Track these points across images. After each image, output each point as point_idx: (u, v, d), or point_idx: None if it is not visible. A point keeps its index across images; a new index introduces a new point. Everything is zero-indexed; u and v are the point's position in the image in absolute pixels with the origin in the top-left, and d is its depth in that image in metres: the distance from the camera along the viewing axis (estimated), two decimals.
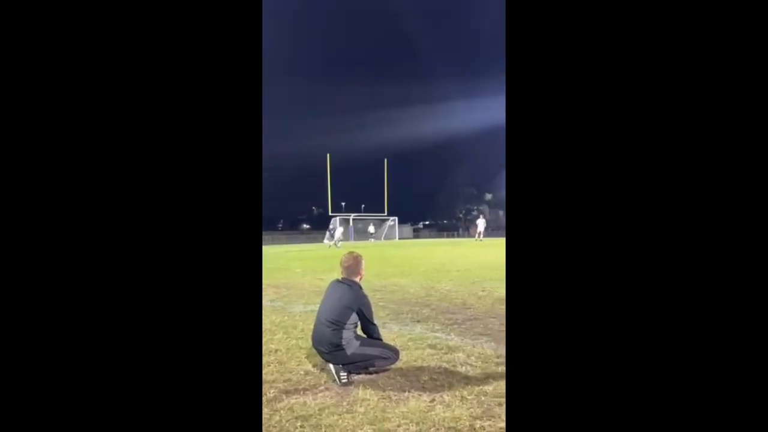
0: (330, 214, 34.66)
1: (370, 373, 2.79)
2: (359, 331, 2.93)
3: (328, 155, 34.58)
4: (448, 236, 47.63)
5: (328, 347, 2.71)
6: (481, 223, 26.27)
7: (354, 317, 2.81)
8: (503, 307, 5.16)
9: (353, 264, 2.97)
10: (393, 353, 2.90)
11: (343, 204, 42.98)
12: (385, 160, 38.51)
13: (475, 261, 11.52)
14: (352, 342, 2.77)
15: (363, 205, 43.84)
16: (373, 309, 3.01)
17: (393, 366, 2.89)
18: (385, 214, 37.49)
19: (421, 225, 61.25)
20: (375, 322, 2.96)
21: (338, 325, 2.75)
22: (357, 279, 2.98)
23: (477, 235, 27.03)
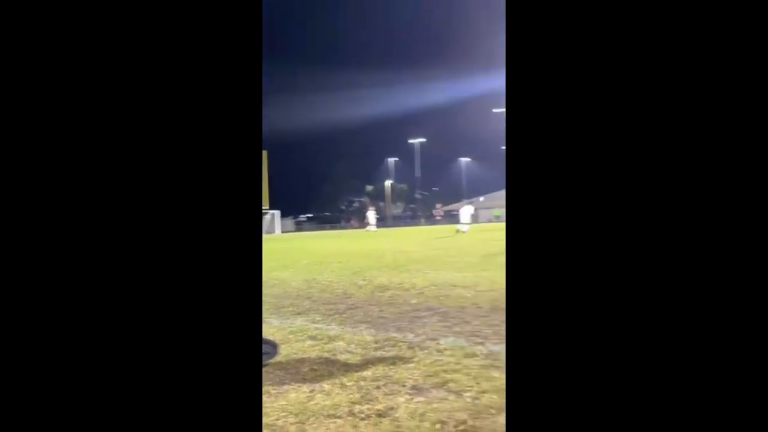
0: None
1: None
2: None
3: None
4: (331, 228, 47.76)
5: None
6: (371, 214, 26.56)
7: None
8: (382, 294, 5.33)
9: None
10: (272, 347, 2.85)
11: None
12: (265, 152, 37.41)
13: (357, 251, 11.72)
14: None
15: None
16: None
17: (272, 360, 2.84)
18: (267, 207, 36.49)
19: (303, 218, 60.61)
20: None
21: None
22: None
23: (367, 227, 27.47)
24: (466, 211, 21.98)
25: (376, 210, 28.21)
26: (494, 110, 59.93)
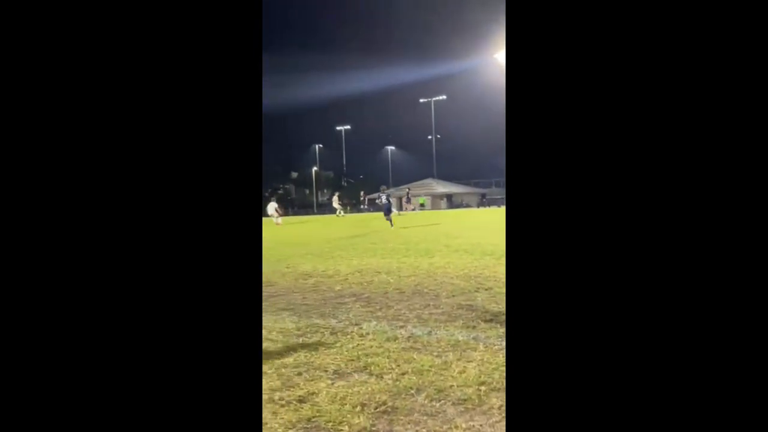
0: None
1: None
2: None
3: None
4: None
5: None
6: (271, 206, 26.08)
7: None
8: (306, 281, 5.29)
9: None
10: None
11: None
12: None
13: (282, 239, 11.52)
14: None
15: None
16: None
17: None
18: None
19: None
20: None
21: None
22: None
23: (275, 218, 27.54)
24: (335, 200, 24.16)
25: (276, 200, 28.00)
26: (421, 100, 61.23)
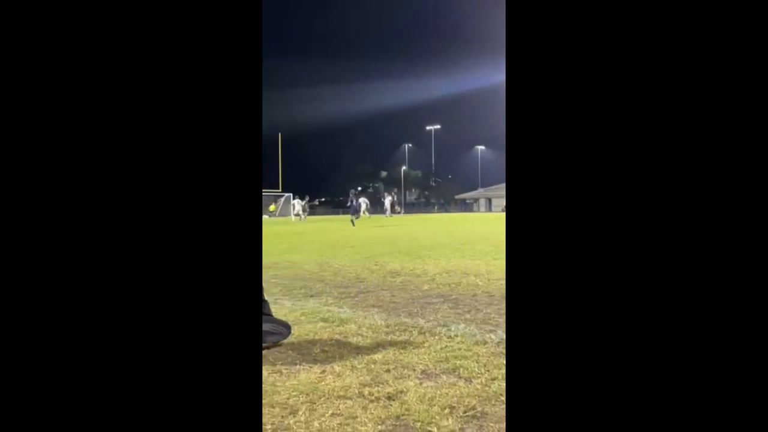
0: None
1: (261, 350, 2.76)
2: None
3: None
4: (344, 213, 47.89)
5: None
6: (297, 203, 27.42)
7: None
8: (394, 279, 5.35)
9: None
10: (284, 328, 2.89)
11: None
12: (279, 134, 37.51)
13: (369, 236, 11.74)
14: None
15: None
16: (265, 285, 2.96)
17: (285, 341, 2.88)
18: (280, 190, 36.65)
19: (316, 202, 60.85)
20: (266, 298, 2.92)
21: None
22: None
23: (387, 212, 28.65)
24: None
25: (391, 196, 29.64)
26: None
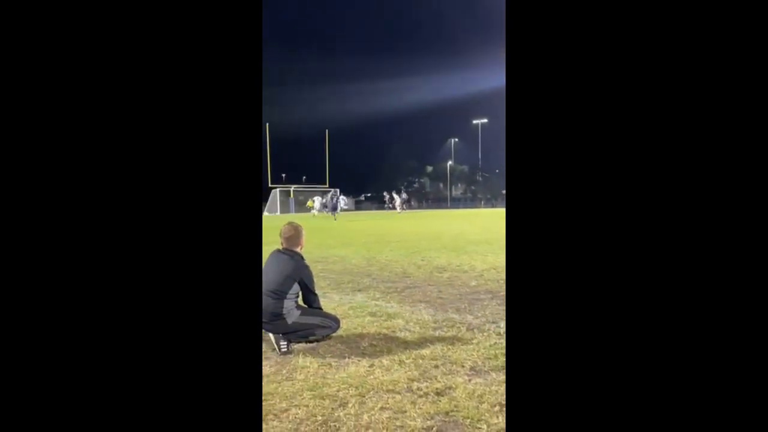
0: (269, 185, 34.07)
1: (311, 342, 2.82)
2: (300, 301, 2.94)
3: (266, 125, 33.72)
4: (388, 209, 48.10)
5: (269, 317, 2.70)
6: (317, 200, 29.31)
7: (296, 287, 2.81)
8: (441, 275, 5.32)
9: (294, 235, 2.96)
10: (333, 322, 2.93)
11: (284, 176, 42.26)
12: (326, 131, 38.00)
13: (416, 232, 11.74)
14: (292, 311, 2.78)
15: (304, 177, 43.30)
16: (315, 279, 3.02)
17: (333, 334, 2.93)
18: (327, 185, 37.17)
19: (362, 197, 61.31)
20: (316, 292, 2.98)
21: (279, 294, 2.74)
22: (298, 249, 2.97)
23: (398, 208, 29.87)
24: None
25: (405, 194, 31.62)
26: None
